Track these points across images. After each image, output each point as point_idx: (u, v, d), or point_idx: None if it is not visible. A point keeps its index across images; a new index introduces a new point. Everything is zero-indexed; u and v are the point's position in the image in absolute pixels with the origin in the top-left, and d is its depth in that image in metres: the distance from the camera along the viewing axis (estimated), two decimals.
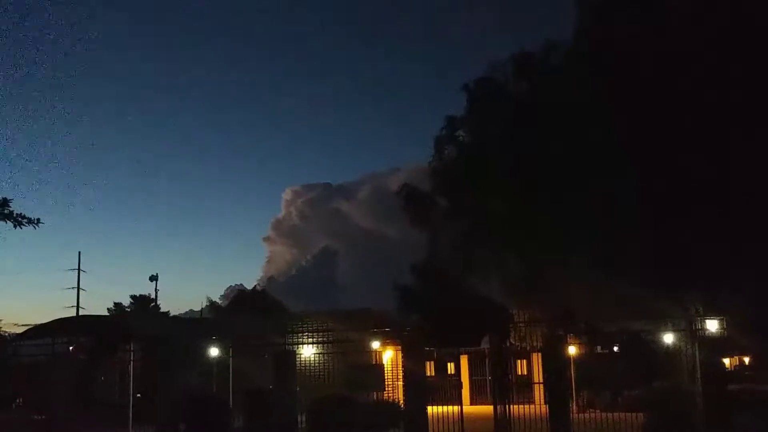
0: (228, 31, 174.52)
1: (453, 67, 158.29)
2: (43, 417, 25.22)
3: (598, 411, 21.93)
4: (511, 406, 21.09)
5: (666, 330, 21.26)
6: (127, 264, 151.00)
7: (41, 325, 33.81)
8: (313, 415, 21.33)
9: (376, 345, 24.05)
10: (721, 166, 18.97)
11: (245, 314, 46.85)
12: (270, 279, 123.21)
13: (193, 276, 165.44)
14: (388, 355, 24.12)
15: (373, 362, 24.21)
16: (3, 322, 45.88)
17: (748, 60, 19.01)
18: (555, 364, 21.04)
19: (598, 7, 22.24)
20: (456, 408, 21.77)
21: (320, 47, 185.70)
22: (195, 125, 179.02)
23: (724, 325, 20.54)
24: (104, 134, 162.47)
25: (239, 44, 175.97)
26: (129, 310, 58.77)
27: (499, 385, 21.74)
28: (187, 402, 22.63)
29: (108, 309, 60.33)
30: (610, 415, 20.47)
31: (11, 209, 15.84)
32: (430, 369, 27.81)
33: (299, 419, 21.83)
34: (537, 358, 28.67)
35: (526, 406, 21.44)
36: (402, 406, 21.57)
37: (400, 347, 22.54)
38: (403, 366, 21.96)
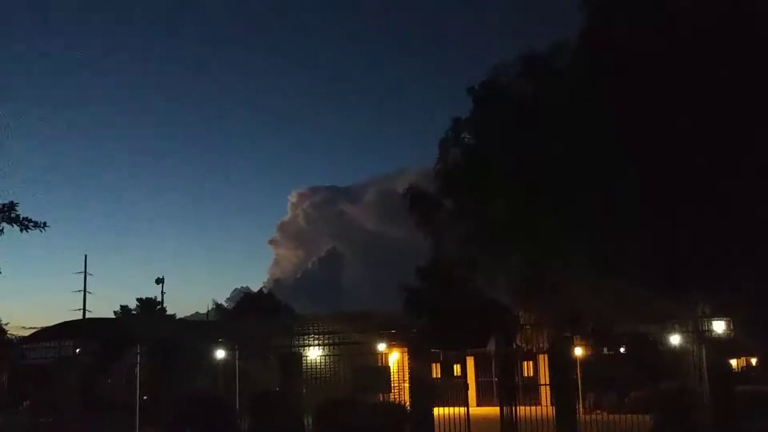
0: (233, 32, 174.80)
1: (458, 69, 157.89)
2: (50, 420, 25.28)
3: (604, 412, 21.87)
4: (518, 408, 21.06)
5: (672, 331, 21.21)
6: (134, 267, 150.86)
7: (48, 328, 34.01)
8: (320, 417, 21.32)
9: (382, 347, 24.03)
10: (724, 166, 18.95)
11: (251, 316, 46.87)
12: (276, 281, 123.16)
13: (199, 279, 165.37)
14: (395, 357, 24.10)
15: (380, 364, 24.16)
16: (10, 325, 45.90)
17: (750, 59, 19.01)
18: (561, 365, 21.01)
19: (604, 8, 22.23)
20: (462, 409, 21.75)
21: (325, 50, 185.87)
22: (201, 128, 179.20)
23: (731, 326, 20.52)
24: (110, 137, 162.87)
25: (244, 46, 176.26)
26: (135, 313, 58.76)
27: (505, 386, 21.72)
28: (193, 404, 22.64)
29: (114, 312, 60.38)
30: (616, 416, 20.45)
31: (18, 213, 15.94)
32: (436, 371, 27.80)
33: (305, 421, 21.83)
34: (543, 360, 28.63)
35: (533, 408, 21.46)
36: (408, 407, 21.54)
37: (406, 349, 22.53)
38: (409, 368, 21.94)
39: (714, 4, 20.01)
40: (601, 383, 24.36)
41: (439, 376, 29.64)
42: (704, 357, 20.05)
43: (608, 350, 24.42)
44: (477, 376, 34.16)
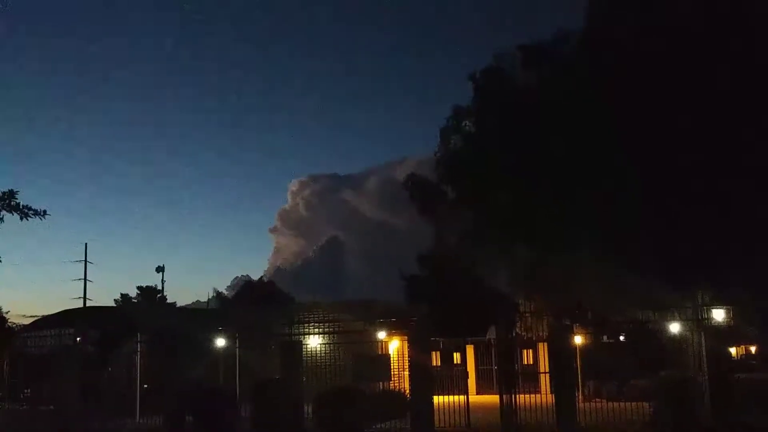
0: (233, 20, 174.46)
1: (462, 56, 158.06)
2: (50, 408, 25.43)
3: (604, 400, 22.02)
4: (517, 396, 21.21)
5: (672, 319, 21.31)
6: (134, 255, 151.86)
7: (48, 316, 34.15)
8: (320, 405, 21.45)
9: (382, 335, 24.16)
10: (725, 157, 18.99)
11: (252, 305, 47.08)
12: (276, 270, 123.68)
13: (199, 267, 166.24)
14: (395, 346, 24.21)
15: (380, 352, 24.32)
16: (10, 313, 46.06)
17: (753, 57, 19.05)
18: (561, 353, 21.15)
19: (605, 4, 22.19)
20: (462, 398, 21.93)
21: (326, 38, 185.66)
22: (201, 117, 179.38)
23: (731, 315, 20.63)
24: (110, 125, 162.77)
25: (242, 34, 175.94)
26: (136, 301, 59.00)
27: (505, 374, 21.86)
28: (193, 393, 22.79)
29: (115, 300, 60.68)
30: (616, 404, 20.60)
31: (18, 201, 16.04)
32: (436, 359, 27.89)
33: (306, 410, 21.98)
34: (543, 348, 28.74)
35: (532, 396, 21.62)
36: (408, 396, 21.69)
37: (406, 337, 22.65)
38: (409, 356, 22.08)
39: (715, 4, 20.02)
40: (601, 371, 24.47)
41: (439, 364, 29.72)
42: (704, 345, 20.18)
43: (608, 339, 24.48)
44: (477, 365, 34.26)
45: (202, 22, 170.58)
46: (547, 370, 24.09)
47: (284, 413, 21.47)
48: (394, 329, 24.17)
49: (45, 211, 16.41)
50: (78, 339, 26.79)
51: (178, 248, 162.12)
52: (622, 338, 23.91)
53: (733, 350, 24.97)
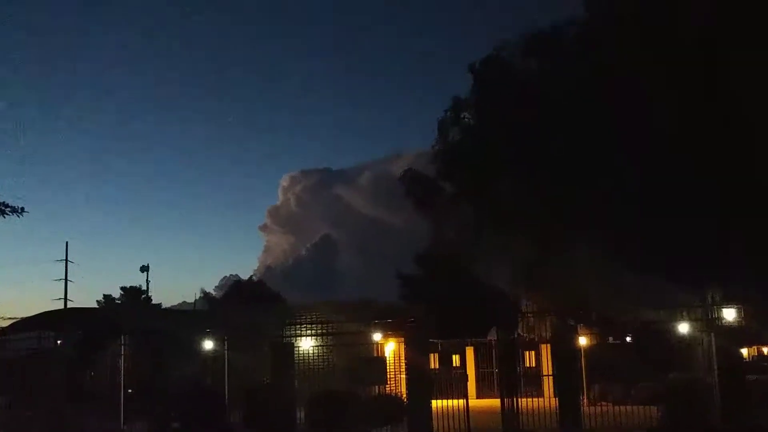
0: (222, 9, 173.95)
1: (458, 47, 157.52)
2: (31, 413, 25.32)
3: (610, 404, 22.01)
4: (519, 400, 21.18)
5: (681, 319, 21.29)
6: (118, 254, 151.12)
7: (28, 318, 34.02)
8: (313, 410, 21.40)
9: (378, 337, 24.09)
10: (736, 149, 19.01)
11: (241, 306, 46.96)
12: (267, 269, 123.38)
13: (186, 266, 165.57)
14: (391, 348, 24.15)
15: (375, 355, 24.25)
16: None
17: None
18: (565, 355, 21.13)
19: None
20: (461, 402, 21.87)
21: (316, 27, 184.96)
22: (187, 110, 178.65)
23: (742, 314, 20.61)
24: (91, 120, 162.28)
25: (233, 22, 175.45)
26: (119, 302, 58.80)
27: (506, 377, 21.83)
28: (180, 397, 22.70)
29: (97, 301, 60.32)
30: (622, 408, 20.58)
31: None
32: (434, 361, 27.83)
33: (298, 414, 21.92)
34: (546, 349, 28.64)
35: (535, 400, 21.58)
36: (405, 400, 21.64)
37: (403, 339, 22.59)
38: (406, 358, 22.02)
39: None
40: (607, 374, 24.44)
41: (437, 366, 29.68)
42: (714, 346, 20.16)
43: (614, 339, 24.48)
44: (477, 367, 34.20)
45: (180, 16, 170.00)
46: (551, 372, 24.04)
47: (275, 418, 21.41)
48: (390, 330, 24.12)
49: (23, 209, 16.33)
50: (59, 342, 26.68)
51: (163, 247, 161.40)
52: (628, 339, 23.89)
53: (744, 351, 24.98)
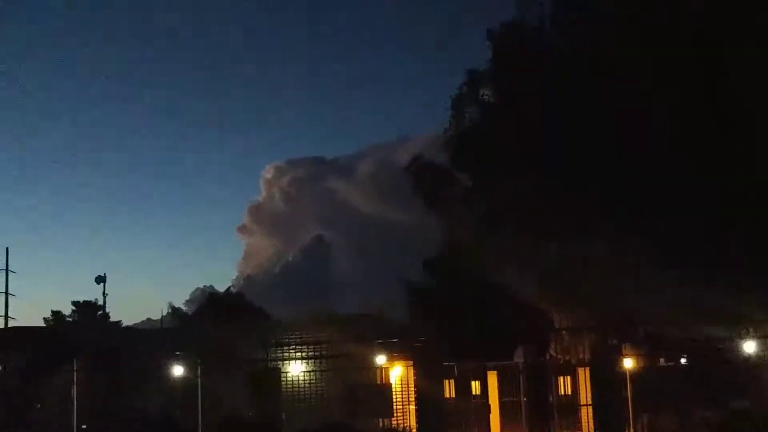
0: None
1: (474, 10, 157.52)
2: None
3: None
4: None
5: (746, 337, 21.24)
6: (69, 264, 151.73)
7: None
8: None
9: (381, 360, 24.06)
10: None
11: (217, 323, 46.99)
12: (247, 278, 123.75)
13: (150, 277, 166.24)
14: (397, 373, 24.15)
15: (379, 381, 24.23)
16: None
17: None
18: (607, 380, 21.10)
19: None
20: None
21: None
22: (149, 87, 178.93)
23: None
24: (36, 107, 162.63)
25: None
26: (71, 319, 59.00)
27: (536, 408, 21.79)
28: None
29: (45, 319, 60.56)
30: None
31: None
32: (449, 389, 27.78)
33: None
34: (584, 374, 28.59)
35: None
36: None
37: (411, 362, 22.57)
38: (415, 386, 22.03)
39: None
40: (657, 403, 24.36)
41: (453, 395, 29.64)
42: None
43: (666, 361, 24.43)
44: (501, 396, 34.16)
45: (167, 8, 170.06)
46: (589, 401, 24.00)
47: None
48: (396, 352, 24.11)
49: None
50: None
51: (123, 255, 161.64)
52: (683, 360, 23.82)
53: None
